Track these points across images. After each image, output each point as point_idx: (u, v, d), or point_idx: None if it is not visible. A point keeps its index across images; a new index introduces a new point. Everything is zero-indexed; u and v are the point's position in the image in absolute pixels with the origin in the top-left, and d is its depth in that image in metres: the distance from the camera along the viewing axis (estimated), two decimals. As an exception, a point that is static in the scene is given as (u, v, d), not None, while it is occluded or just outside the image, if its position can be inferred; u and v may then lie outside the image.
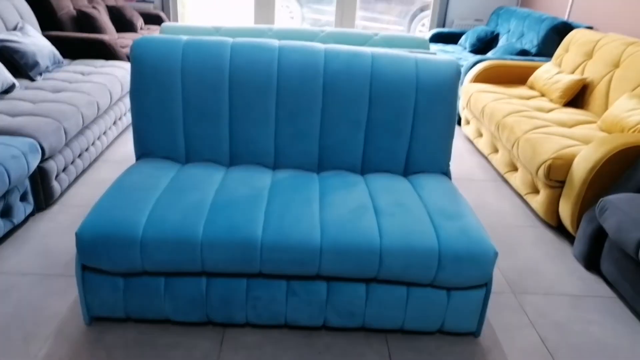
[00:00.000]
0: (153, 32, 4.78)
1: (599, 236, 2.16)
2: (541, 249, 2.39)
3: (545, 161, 2.42)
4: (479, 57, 4.01)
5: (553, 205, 2.50)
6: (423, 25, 7.65)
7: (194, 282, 1.67)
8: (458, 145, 3.65)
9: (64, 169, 2.60)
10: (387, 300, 1.69)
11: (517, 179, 2.86)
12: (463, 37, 5.10)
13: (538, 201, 2.61)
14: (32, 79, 3.03)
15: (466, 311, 1.72)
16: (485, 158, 3.45)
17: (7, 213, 2.16)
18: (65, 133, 2.52)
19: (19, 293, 1.87)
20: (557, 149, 2.44)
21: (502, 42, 4.72)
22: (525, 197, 2.76)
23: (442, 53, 4.65)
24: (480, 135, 3.47)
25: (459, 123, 4.03)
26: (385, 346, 1.73)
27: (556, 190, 2.47)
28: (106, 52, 3.76)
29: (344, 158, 2.09)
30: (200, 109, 2.02)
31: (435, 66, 2.07)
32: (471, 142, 3.72)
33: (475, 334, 1.79)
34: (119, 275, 1.67)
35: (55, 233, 2.26)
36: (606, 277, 2.12)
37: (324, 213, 1.70)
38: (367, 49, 2.09)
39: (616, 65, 3.03)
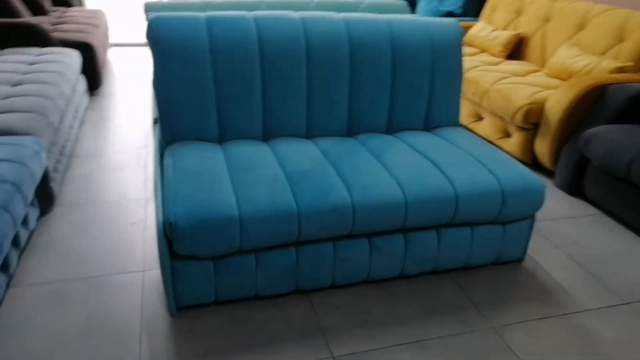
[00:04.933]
0: (65, 15, 4.34)
1: (580, 166, 2.55)
2: (527, 184, 2.74)
3: (522, 107, 2.74)
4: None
5: (528, 145, 2.86)
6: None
7: (284, 254, 1.70)
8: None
9: (55, 169, 2.36)
10: (455, 242, 1.87)
11: (485, 127, 3.19)
12: (383, 3, 5.34)
13: (512, 143, 2.95)
14: (-22, 73, 2.65)
15: (517, 241, 1.96)
16: (442, 113, 3.75)
17: (24, 220, 1.95)
18: (53, 128, 2.29)
19: (78, 299, 1.74)
20: (528, 95, 2.77)
21: (422, 6, 5.04)
22: (496, 141, 3.09)
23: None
24: (434, 92, 3.76)
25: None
26: (455, 284, 1.92)
27: (530, 132, 2.83)
28: (36, 38, 3.37)
29: (370, 121, 2.20)
30: (233, 86, 1.98)
31: (442, 27, 2.24)
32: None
33: (520, 260, 2.05)
34: (208, 260, 1.63)
35: (76, 235, 2.08)
36: (590, 198, 2.52)
37: (392, 171, 1.81)
38: (382, 16, 2.19)
39: (547, 20, 3.46)
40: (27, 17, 3.80)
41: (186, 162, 1.78)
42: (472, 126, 3.33)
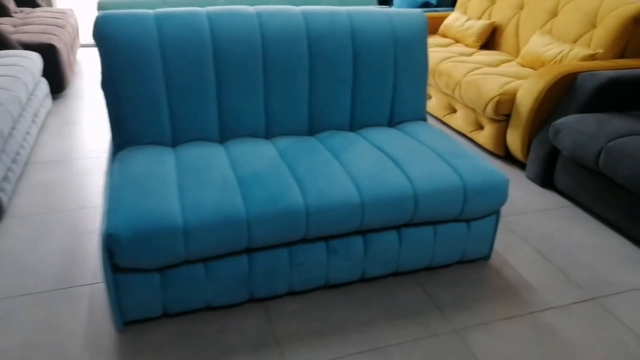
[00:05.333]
0: (30, 16, 4.21)
1: (550, 157, 2.49)
2: (499, 177, 2.68)
3: (493, 98, 2.68)
4: (388, 12, 4.18)
5: (500, 137, 2.80)
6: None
7: (235, 262, 1.62)
8: (387, 98, 3.84)
9: (4, 178, 2.27)
10: (417, 241, 1.80)
11: (458, 119, 3.12)
12: (359, -5, 5.24)
13: (484, 135, 2.89)
14: None
15: (481, 238, 1.90)
16: (417, 106, 3.67)
17: (-35, 235, 1.86)
18: (1, 135, 2.19)
19: (18, 319, 1.65)
20: (499, 86, 2.71)
21: (398, -4, 4.95)
22: (469, 134, 3.03)
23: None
24: (409, 85, 3.68)
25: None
26: (418, 285, 1.85)
27: (502, 124, 2.76)
28: (-6, 41, 3.25)
29: (332, 118, 2.12)
30: (185, 86, 1.89)
31: (406, 19, 2.16)
32: (397, 93, 3.93)
33: (486, 257, 1.99)
34: (154, 271, 1.56)
35: (23, 248, 2.00)
36: (562, 190, 2.46)
37: (350, 171, 1.74)
38: (342, 9, 2.11)
39: (520, 7, 3.40)
40: (-13, 19, 3.68)
41: (133, 168, 1.70)
42: (445, 119, 3.27)
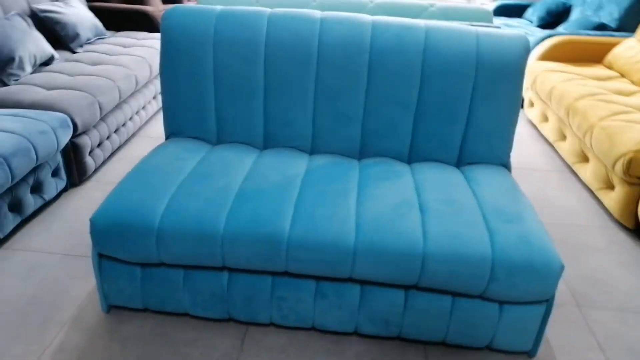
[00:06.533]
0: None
1: (687, 245, 1.84)
2: (614, 254, 2.08)
3: (625, 154, 2.09)
4: (548, 32, 3.60)
5: (631, 204, 2.17)
6: (486, -3, 7.08)
7: (215, 277, 1.53)
8: (520, 130, 3.31)
9: (99, 145, 2.52)
10: (428, 309, 1.48)
11: (588, 171, 2.53)
12: (530, 10, 4.64)
13: (612, 198, 2.28)
14: (72, 51, 2.97)
15: (521, 328, 1.48)
16: (551, 146, 3.10)
17: (37, 189, 2.10)
18: (100, 108, 2.43)
19: (43, 273, 1.81)
20: (639, 140, 2.10)
21: (575, 15, 4.24)
22: (596, 192, 2.43)
23: (505, 27, 4.25)
24: (546, 119, 3.12)
25: (522, 105, 3.67)
26: (424, 359, 1.53)
27: (636, 188, 2.14)
28: (149, 24, 3.66)
29: (389, 144, 1.87)
30: (233, 85, 1.85)
31: (499, 41, 1.79)
32: (535, 126, 3.37)
33: (529, 353, 1.55)
34: (137, 265, 1.55)
35: (87, 211, 2.19)
36: (693, 293, 1.81)
37: (362, 208, 1.50)
38: (421, 22, 1.84)
39: None
40: (156, 5, 4.16)
41: (157, 159, 1.72)
42: (575, 167, 2.68)
